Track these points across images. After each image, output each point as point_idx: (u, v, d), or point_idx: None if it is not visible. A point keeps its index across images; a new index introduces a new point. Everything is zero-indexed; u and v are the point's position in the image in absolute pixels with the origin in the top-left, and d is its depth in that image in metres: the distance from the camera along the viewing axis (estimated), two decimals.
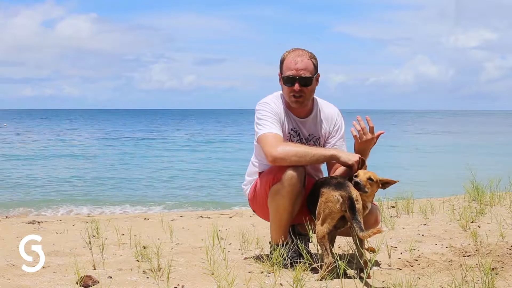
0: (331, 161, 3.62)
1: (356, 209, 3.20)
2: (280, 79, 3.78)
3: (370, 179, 3.34)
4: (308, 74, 3.66)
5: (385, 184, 3.44)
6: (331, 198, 3.26)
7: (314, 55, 3.75)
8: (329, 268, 3.27)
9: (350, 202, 3.22)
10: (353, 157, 3.48)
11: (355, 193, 3.26)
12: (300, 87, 3.66)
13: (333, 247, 3.55)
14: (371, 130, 3.58)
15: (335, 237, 3.64)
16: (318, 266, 3.33)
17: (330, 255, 3.29)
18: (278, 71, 3.79)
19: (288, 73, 3.67)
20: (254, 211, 3.99)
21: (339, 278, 3.17)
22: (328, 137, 3.88)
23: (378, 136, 3.61)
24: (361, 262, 3.28)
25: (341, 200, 3.23)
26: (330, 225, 3.29)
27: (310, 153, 3.51)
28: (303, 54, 3.70)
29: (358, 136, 3.59)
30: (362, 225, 3.16)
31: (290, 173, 3.48)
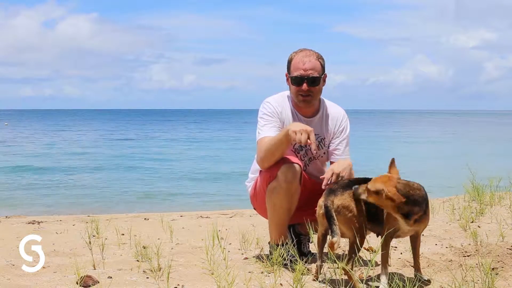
0: (289, 139, 3.43)
1: (331, 218, 3.00)
2: (287, 79, 3.80)
3: (367, 188, 2.98)
4: (316, 74, 3.70)
5: (390, 199, 2.90)
6: (319, 202, 3.19)
7: (321, 56, 3.79)
8: (316, 270, 3.27)
9: (325, 210, 3.06)
10: (296, 127, 3.35)
11: (339, 202, 3.05)
12: (308, 87, 3.69)
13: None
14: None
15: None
16: (306, 268, 3.31)
17: (318, 259, 3.27)
18: (286, 71, 3.82)
19: (296, 73, 3.71)
20: (255, 208, 4.02)
21: (339, 280, 3.17)
22: (332, 138, 3.89)
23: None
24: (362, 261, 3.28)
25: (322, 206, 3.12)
26: (320, 228, 3.24)
27: (274, 139, 3.52)
28: (310, 55, 3.74)
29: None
30: (335, 235, 2.94)
31: (284, 170, 3.51)
